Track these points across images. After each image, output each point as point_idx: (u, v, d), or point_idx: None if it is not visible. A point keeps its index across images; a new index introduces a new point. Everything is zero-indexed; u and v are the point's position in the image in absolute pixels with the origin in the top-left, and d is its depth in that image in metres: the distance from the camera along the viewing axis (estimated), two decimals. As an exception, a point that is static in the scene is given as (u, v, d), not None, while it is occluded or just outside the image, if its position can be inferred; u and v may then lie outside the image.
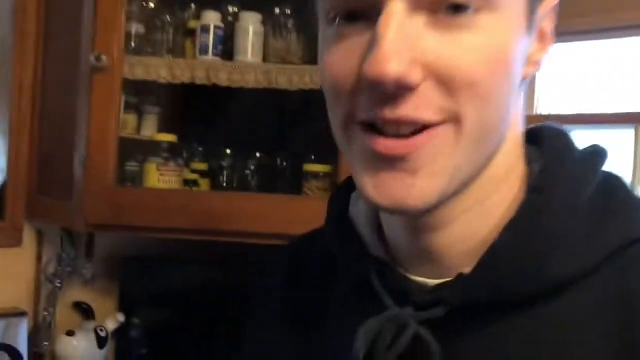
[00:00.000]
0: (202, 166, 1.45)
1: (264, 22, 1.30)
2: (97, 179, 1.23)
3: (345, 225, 0.55)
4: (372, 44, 0.40)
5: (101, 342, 1.47)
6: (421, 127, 0.42)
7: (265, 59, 1.29)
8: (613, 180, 0.48)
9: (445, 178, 0.43)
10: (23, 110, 1.44)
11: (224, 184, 1.48)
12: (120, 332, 1.53)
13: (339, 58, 0.44)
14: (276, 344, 0.60)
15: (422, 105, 0.41)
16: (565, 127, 0.51)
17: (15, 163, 1.43)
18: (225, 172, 1.51)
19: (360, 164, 0.45)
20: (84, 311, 1.54)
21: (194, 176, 1.43)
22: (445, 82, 0.41)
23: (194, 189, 1.40)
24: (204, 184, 1.45)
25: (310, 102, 1.44)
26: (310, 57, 1.31)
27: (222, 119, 1.62)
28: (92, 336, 1.46)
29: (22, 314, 1.42)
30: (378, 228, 0.54)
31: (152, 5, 1.36)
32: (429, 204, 0.44)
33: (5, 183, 1.43)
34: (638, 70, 1.46)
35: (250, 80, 1.26)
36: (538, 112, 1.51)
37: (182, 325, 1.58)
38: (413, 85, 0.40)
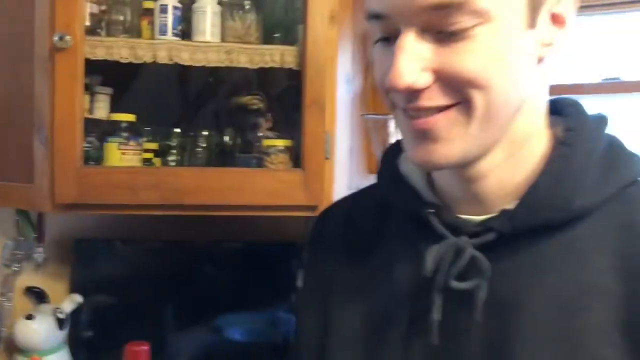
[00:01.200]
0: (154, 145, 1.49)
1: (220, 3, 1.35)
2: (64, 160, 1.24)
3: (399, 179, 0.69)
4: (390, 63, 0.56)
5: (61, 323, 1.47)
6: (438, 110, 0.56)
7: (223, 39, 1.34)
8: (614, 139, 0.63)
9: (461, 144, 0.57)
10: (-37, 94, 1.39)
11: (175, 162, 1.53)
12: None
13: (379, 68, 0.60)
14: (336, 266, 0.73)
15: (434, 97, 0.56)
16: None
17: (-43, 148, 1.39)
18: (175, 151, 1.56)
19: (404, 137, 0.62)
20: (37, 295, 1.53)
21: (149, 155, 1.46)
22: (451, 82, 0.55)
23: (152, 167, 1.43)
24: (157, 162, 1.49)
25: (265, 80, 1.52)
26: (266, 37, 1.38)
27: (167, 99, 1.66)
28: (51, 319, 1.46)
29: (-22, 301, 1.39)
30: (428, 182, 0.68)
31: (103, -15, 1.36)
32: (453, 162, 0.58)
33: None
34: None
35: (213, 60, 1.31)
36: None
37: (129, 307, 1.59)
38: (422, 88, 0.55)
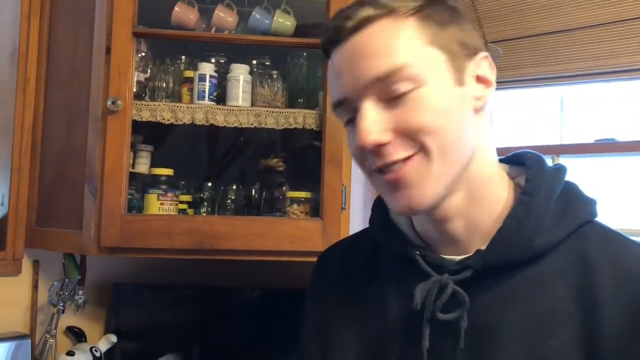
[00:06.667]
0: (188, 198, 1.65)
1: (251, 72, 1.53)
2: (110, 208, 1.40)
3: (389, 225, 0.80)
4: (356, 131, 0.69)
5: (97, 361, 1.60)
6: (403, 162, 0.68)
7: (253, 103, 1.52)
8: (571, 186, 0.74)
9: (430, 185, 0.68)
10: (24, 150, 1.57)
11: (205, 213, 1.68)
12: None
13: (352, 144, 0.73)
14: (334, 298, 0.83)
15: (396, 151, 0.68)
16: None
17: (16, 198, 1.56)
18: (206, 203, 1.72)
19: (382, 192, 0.73)
20: (76, 335, 1.67)
21: (183, 206, 1.61)
22: (406, 135, 0.67)
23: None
24: (190, 212, 1.64)
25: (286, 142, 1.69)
26: (291, 102, 1.55)
27: (201, 157, 1.84)
28: (89, 356, 1.58)
29: (25, 336, 1.53)
30: (412, 227, 0.79)
31: (149, 56, 1.56)
32: (428, 203, 0.69)
33: (6, 217, 1.55)
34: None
35: (244, 122, 1.48)
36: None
37: (159, 348, 1.70)
38: (385, 143, 0.67)
